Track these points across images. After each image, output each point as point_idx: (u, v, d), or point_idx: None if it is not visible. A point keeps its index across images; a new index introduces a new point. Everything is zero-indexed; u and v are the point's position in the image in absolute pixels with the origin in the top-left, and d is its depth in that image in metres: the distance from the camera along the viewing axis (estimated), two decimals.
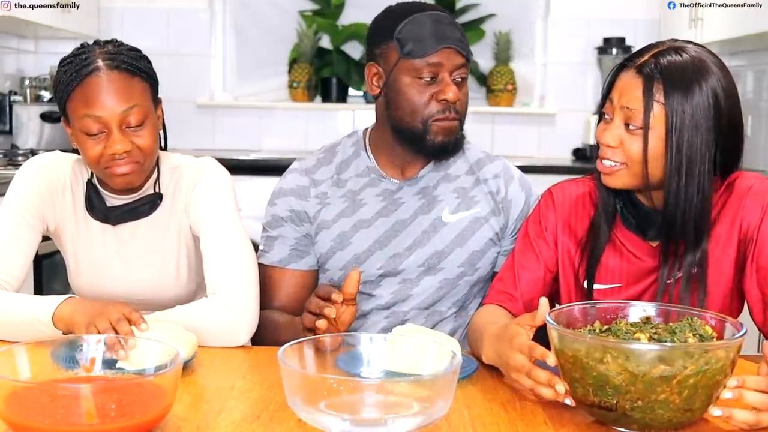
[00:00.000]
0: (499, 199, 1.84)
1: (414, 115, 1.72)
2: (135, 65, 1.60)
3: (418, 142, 1.75)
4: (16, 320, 1.53)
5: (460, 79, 1.73)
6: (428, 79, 1.70)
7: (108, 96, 1.56)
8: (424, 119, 1.72)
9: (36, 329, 1.50)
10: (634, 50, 4.57)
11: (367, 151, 1.84)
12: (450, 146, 1.77)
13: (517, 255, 1.69)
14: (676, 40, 1.54)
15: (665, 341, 1.21)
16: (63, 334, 1.49)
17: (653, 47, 1.52)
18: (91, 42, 1.65)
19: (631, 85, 1.48)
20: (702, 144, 1.45)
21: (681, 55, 1.47)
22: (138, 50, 1.65)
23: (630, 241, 1.60)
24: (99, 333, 1.40)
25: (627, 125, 1.48)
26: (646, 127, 1.46)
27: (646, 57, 1.49)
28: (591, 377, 1.16)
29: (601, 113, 1.55)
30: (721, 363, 1.14)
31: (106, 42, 1.64)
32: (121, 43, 1.65)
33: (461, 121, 1.76)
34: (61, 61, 1.62)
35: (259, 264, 1.78)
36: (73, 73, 1.57)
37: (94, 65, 1.57)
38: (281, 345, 1.59)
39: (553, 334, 1.22)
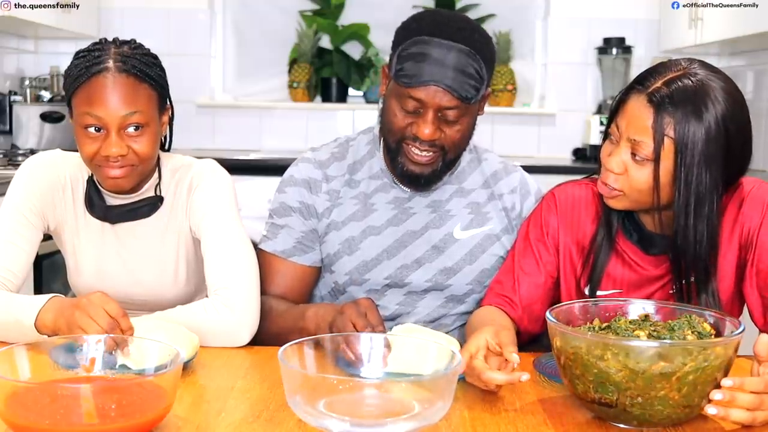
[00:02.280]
0: (514, 215, 1.81)
1: (390, 134, 1.69)
2: (145, 71, 1.59)
3: (392, 161, 1.72)
4: (2, 321, 1.51)
5: (450, 119, 1.63)
6: (410, 109, 1.63)
7: (111, 98, 1.55)
8: (398, 140, 1.67)
9: (22, 333, 1.47)
10: (634, 50, 4.51)
11: (381, 152, 1.79)
12: (422, 179, 1.71)
13: (517, 258, 1.68)
14: (691, 61, 1.47)
15: (664, 338, 1.22)
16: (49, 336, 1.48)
17: (666, 71, 1.45)
18: (110, 39, 1.64)
19: (640, 114, 1.43)
20: (711, 180, 1.41)
21: (692, 81, 1.41)
22: (154, 56, 1.64)
23: (631, 251, 1.59)
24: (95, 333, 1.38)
25: (633, 155, 1.45)
26: (656, 161, 1.42)
27: (658, 83, 1.43)
28: (592, 374, 1.17)
29: (606, 132, 1.51)
30: (719, 360, 1.15)
31: (123, 42, 1.63)
32: (139, 46, 1.64)
33: (443, 158, 1.68)
34: (76, 54, 1.62)
35: (261, 249, 1.77)
36: (82, 69, 1.57)
37: (104, 65, 1.56)
38: (278, 332, 1.62)
39: (554, 332, 1.23)
